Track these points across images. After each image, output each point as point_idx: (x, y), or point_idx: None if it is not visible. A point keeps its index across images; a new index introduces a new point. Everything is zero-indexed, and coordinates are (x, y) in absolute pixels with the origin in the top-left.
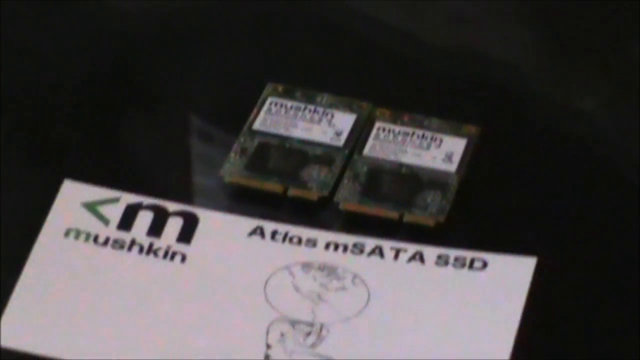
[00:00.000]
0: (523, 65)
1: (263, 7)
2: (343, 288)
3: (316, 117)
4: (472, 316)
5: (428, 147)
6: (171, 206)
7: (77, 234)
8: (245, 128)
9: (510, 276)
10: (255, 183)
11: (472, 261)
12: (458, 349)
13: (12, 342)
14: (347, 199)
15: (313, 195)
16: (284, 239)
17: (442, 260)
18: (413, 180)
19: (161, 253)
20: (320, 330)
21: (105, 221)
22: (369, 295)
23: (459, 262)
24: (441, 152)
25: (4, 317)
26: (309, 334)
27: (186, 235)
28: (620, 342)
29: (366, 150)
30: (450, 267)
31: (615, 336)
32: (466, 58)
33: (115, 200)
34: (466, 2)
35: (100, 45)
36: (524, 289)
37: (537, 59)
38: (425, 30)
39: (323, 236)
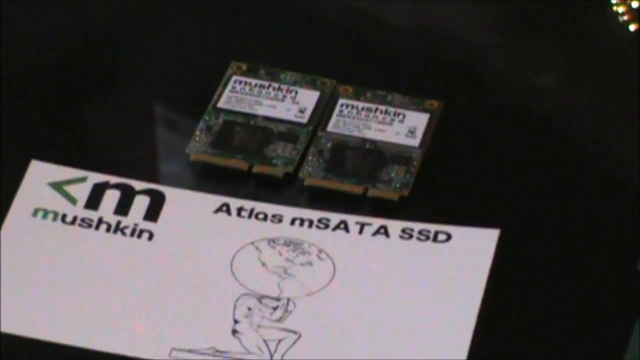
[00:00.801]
0: (483, 42)
1: None
2: (309, 263)
3: (280, 94)
4: (437, 288)
5: (391, 123)
6: (138, 185)
7: (45, 214)
8: (210, 107)
9: (473, 248)
10: (220, 160)
11: (436, 234)
12: (423, 321)
13: None
14: (312, 174)
15: (278, 171)
16: (249, 216)
17: (406, 234)
18: (377, 156)
19: (128, 231)
20: (287, 304)
21: (72, 200)
22: (334, 269)
23: (423, 235)
24: (404, 127)
25: None
26: (275, 308)
27: (153, 213)
28: (580, 311)
29: (330, 127)
30: (414, 240)
31: (576, 306)
32: (427, 36)
33: (82, 179)
34: None
35: (65, 29)
36: (488, 261)
37: (496, 36)
38: (386, 9)
39: (288, 212)
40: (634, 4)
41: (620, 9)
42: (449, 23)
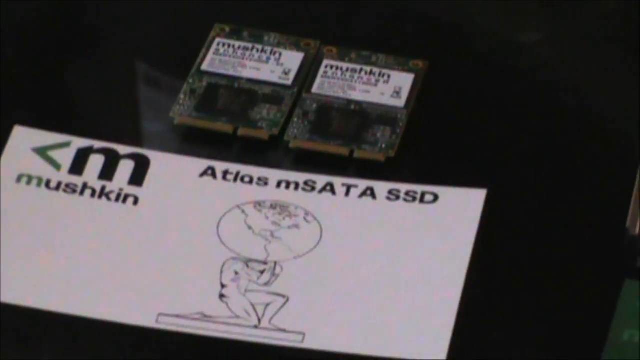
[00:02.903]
0: (467, 1)
1: None
2: (296, 225)
3: (264, 56)
4: (425, 249)
5: (376, 84)
6: (122, 149)
7: (29, 180)
8: (193, 69)
9: (461, 208)
10: (205, 124)
11: (423, 195)
12: (411, 282)
13: None
14: (297, 137)
15: (263, 134)
16: (235, 179)
17: (393, 195)
18: (362, 117)
19: (113, 196)
20: (274, 268)
21: (56, 166)
22: (321, 231)
23: (410, 196)
24: (389, 88)
25: None
26: (262, 272)
27: (138, 177)
28: (565, 271)
29: (315, 88)
30: (401, 202)
31: (564, 265)
32: None
33: (66, 144)
34: None
35: None
36: (475, 221)
37: None
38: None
39: (274, 175)
40: None
41: None
42: None
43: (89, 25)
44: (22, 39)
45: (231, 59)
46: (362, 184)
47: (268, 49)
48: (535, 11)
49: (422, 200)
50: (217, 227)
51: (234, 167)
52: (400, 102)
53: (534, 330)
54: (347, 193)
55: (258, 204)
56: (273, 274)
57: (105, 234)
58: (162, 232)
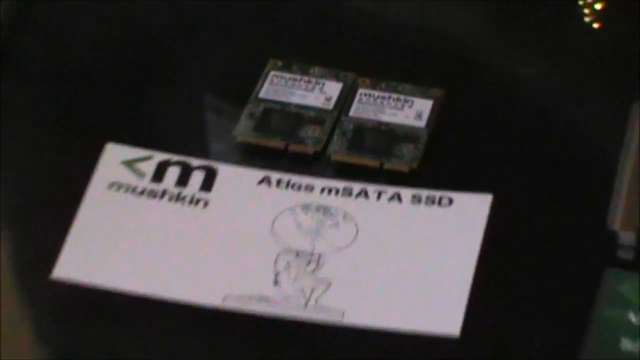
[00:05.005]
0: (476, 39)
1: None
2: (336, 224)
3: (310, 86)
4: (442, 242)
5: (402, 108)
6: (195, 162)
7: (119, 187)
8: (252, 97)
9: (472, 210)
10: (261, 141)
11: (440, 199)
12: (430, 269)
13: (69, 274)
14: (337, 151)
15: (309, 149)
16: (286, 186)
17: (415, 199)
18: (390, 135)
19: (187, 200)
20: (319, 259)
21: (141, 175)
22: (357, 229)
23: (430, 200)
24: (413, 112)
25: (62, 254)
26: (309, 262)
27: (207, 185)
28: (560, 259)
29: (351, 112)
30: (422, 205)
31: (557, 256)
32: (429, 35)
33: (149, 157)
34: None
35: (133, 32)
36: (484, 219)
37: (487, 34)
38: (396, 13)
39: (318, 183)
40: (597, 6)
41: (586, 10)
42: (448, 24)
43: (168, 60)
44: (114, 73)
45: (283, 88)
46: (391, 190)
47: (313, 79)
48: (532, 48)
49: (439, 204)
50: (272, 225)
51: (285, 177)
52: (422, 124)
53: (534, 310)
54: (378, 198)
55: (305, 207)
56: (317, 264)
57: (180, 231)
58: (227, 230)
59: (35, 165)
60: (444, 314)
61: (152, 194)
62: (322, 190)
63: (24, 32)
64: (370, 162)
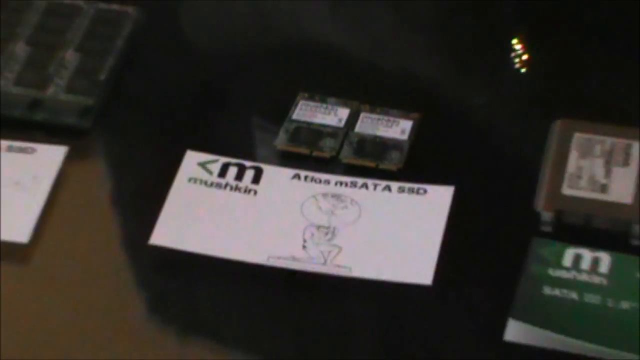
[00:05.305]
0: (443, 78)
1: (290, 45)
2: (345, 207)
3: (327, 111)
4: (419, 219)
5: (391, 126)
6: (247, 163)
7: (195, 180)
8: (287, 118)
9: (439, 197)
10: (293, 149)
11: (418, 189)
12: (411, 239)
13: (162, 241)
14: (346, 156)
15: (327, 155)
16: (311, 180)
17: (401, 190)
18: (383, 145)
19: (242, 190)
20: (334, 231)
21: (210, 173)
22: (360, 210)
23: (411, 190)
24: (399, 129)
25: (156, 226)
26: (327, 233)
27: (256, 179)
28: (499, 231)
29: (356, 128)
30: (405, 193)
31: (499, 229)
32: (410, 74)
33: (216, 160)
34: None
35: (204, 72)
36: (448, 204)
37: (450, 74)
38: (387, 61)
39: (333, 178)
40: (524, 57)
41: (517, 60)
42: (423, 68)
43: (228, 93)
44: (192, 103)
45: (309, 112)
46: (383, 183)
47: (329, 106)
48: (483, 82)
49: (417, 193)
50: (301, 207)
51: (310, 174)
52: (405, 137)
53: (483, 267)
54: (375, 188)
55: (324, 195)
56: (333, 234)
57: (238, 211)
58: (270, 210)
59: (141, 166)
60: (421, 268)
61: (218, 186)
62: (336, 183)
63: (131, 71)
64: (370, 163)
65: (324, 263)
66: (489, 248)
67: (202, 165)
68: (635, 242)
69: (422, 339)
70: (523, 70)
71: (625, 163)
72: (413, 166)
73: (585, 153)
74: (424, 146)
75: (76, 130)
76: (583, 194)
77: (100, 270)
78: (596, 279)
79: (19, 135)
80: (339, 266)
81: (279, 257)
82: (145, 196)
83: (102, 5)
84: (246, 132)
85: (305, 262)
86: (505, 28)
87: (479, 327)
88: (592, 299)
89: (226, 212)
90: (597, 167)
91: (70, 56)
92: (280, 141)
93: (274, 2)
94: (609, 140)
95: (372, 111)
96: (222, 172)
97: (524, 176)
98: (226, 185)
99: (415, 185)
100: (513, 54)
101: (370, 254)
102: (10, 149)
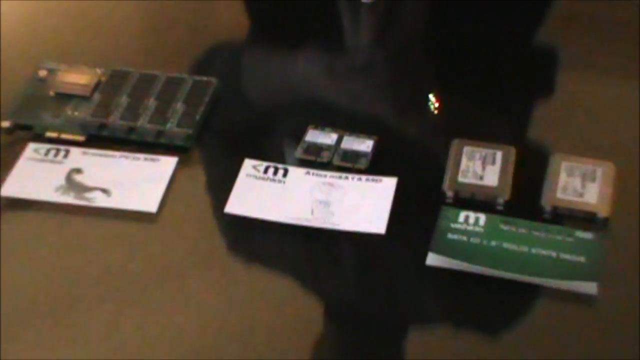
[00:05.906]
0: (392, 111)
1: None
2: (336, 190)
3: (325, 136)
4: (377, 196)
5: (361, 144)
6: (279, 165)
7: (250, 176)
8: (302, 140)
9: (389, 184)
10: (307, 157)
11: (375, 179)
12: (374, 205)
13: (233, 210)
14: (336, 161)
15: (325, 160)
16: (316, 175)
17: (368, 180)
18: (356, 154)
19: (276, 181)
20: (329, 204)
21: (258, 171)
22: (344, 192)
23: (372, 180)
24: (365, 145)
25: (229, 200)
26: (325, 205)
27: (285, 175)
28: (418, 199)
29: (342, 145)
30: (370, 182)
31: (421, 199)
32: (372, 113)
33: (261, 164)
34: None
35: (255, 114)
36: (393, 187)
37: (396, 107)
38: (359, 103)
39: (329, 174)
40: (433, 99)
41: (431, 104)
42: (383, 108)
43: (267, 124)
44: (247, 129)
45: (315, 136)
46: (357, 176)
47: (327, 133)
48: (417, 114)
49: (375, 182)
50: (310, 191)
51: (315, 171)
52: (369, 150)
53: (414, 227)
54: (352, 179)
55: (324, 183)
56: (328, 206)
57: (274, 194)
58: (293, 194)
59: (221, 168)
60: (379, 223)
61: (263, 179)
62: (330, 177)
63: (214, 114)
64: (349, 165)
65: (323, 222)
66: (417, 212)
67: (254, 167)
68: (499, 208)
69: (379, 268)
70: (435, 108)
71: (493, 163)
72: (373, 167)
73: (471, 158)
74: (380, 155)
75: (182, 149)
76: (469, 181)
77: (203, 230)
78: (477, 229)
79: (150, 151)
80: (332, 224)
81: (298, 218)
82: (223, 185)
83: (197, 78)
84: (279, 148)
85: (312, 221)
86: (424, 80)
87: (410, 258)
88: (475, 240)
89: (267, 194)
90: (477, 166)
91: (179, 106)
92: (299, 153)
93: (290, 68)
94: (484, 151)
95: (350, 135)
96: (265, 171)
97: (437, 171)
98: (267, 178)
99: (376, 177)
100: (430, 98)
101: (350, 216)
102: (145, 159)
